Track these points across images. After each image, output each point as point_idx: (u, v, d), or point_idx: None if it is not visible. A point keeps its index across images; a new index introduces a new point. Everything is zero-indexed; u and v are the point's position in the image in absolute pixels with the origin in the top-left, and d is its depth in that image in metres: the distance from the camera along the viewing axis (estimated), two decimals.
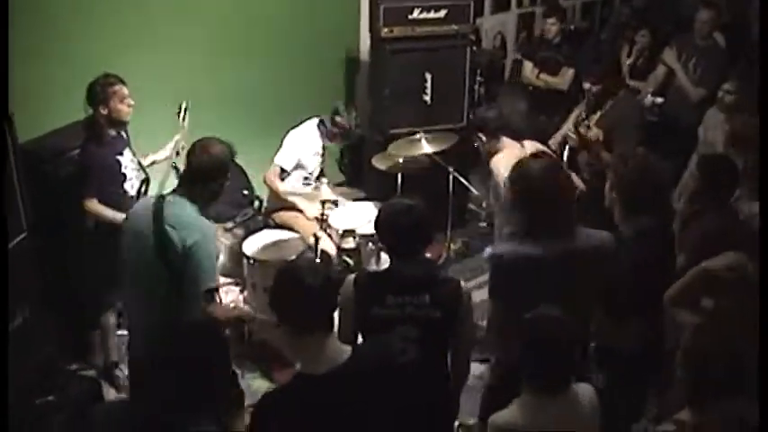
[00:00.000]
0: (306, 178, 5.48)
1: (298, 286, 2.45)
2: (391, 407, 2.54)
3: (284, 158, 5.33)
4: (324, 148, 5.50)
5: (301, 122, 5.52)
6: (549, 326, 2.70)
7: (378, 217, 3.21)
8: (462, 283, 3.22)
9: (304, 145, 5.41)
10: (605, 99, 5.39)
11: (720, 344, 2.52)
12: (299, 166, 5.39)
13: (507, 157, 4.65)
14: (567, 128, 5.55)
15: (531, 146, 4.78)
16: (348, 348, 2.55)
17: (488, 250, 3.29)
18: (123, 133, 4.56)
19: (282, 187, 5.30)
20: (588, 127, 5.38)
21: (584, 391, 2.80)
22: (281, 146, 5.39)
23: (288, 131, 5.46)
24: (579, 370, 2.84)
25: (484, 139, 4.77)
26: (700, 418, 2.51)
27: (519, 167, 3.23)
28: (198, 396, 2.49)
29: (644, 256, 3.34)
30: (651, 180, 3.52)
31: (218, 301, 3.59)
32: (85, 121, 4.45)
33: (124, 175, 4.51)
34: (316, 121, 5.48)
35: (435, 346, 3.15)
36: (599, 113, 5.39)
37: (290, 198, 5.31)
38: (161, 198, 3.51)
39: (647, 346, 3.47)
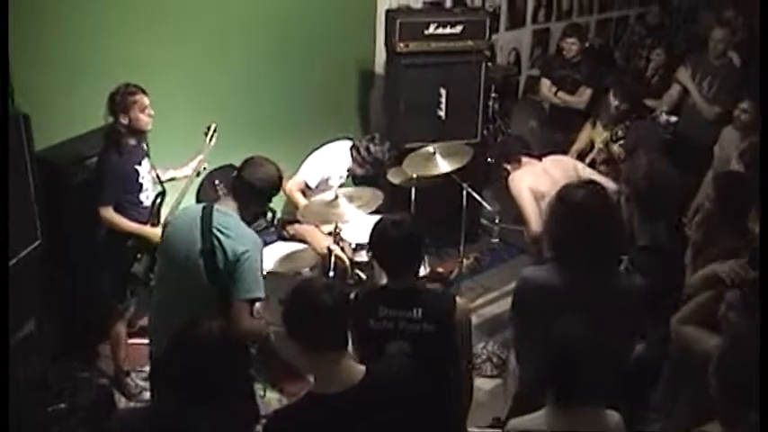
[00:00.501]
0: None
1: (311, 305, 2.44)
2: (400, 429, 2.53)
3: (311, 175, 5.33)
4: (349, 171, 5.51)
5: (331, 141, 5.53)
6: (570, 342, 2.70)
7: (370, 234, 3.21)
8: (458, 299, 3.21)
9: (333, 166, 5.41)
10: (629, 117, 5.43)
11: (749, 356, 2.51)
12: (322, 185, 5.39)
13: (525, 172, 4.70)
14: (598, 143, 5.56)
15: (552, 160, 4.82)
16: (362, 368, 2.52)
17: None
18: (143, 143, 4.59)
19: (302, 201, 5.30)
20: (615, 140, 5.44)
21: (612, 416, 2.79)
22: (304, 160, 5.41)
23: (312, 146, 5.49)
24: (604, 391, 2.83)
25: (509, 166, 4.87)
26: (731, 430, 2.50)
27: (563, 193, 3.16)
28: (218, 406, 2.48)
29: (660, 266, 3.36)
30: (661, 184, 3.52)
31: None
32: (105, 129, 4.48)
33: (141, 185, 4.53)
34: (347, 143, 5.48)
35: (433, 362, 3.08)
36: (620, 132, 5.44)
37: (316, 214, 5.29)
38: (209, 207, 3.58)
39: (657, 356, 3.48)
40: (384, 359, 2.97)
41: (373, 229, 3.19)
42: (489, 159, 6.62)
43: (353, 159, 5.38)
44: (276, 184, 3.70)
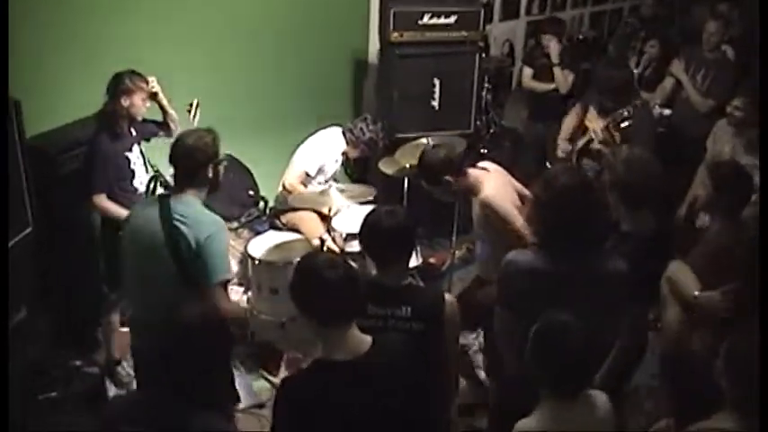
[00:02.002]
0: (320, 183, 5.50)
1: (320, 280, 2.51)
2: (394, 404, 2.58)
3: (310, 164, 5.36)
4: (343, 154, 5.50)
5: (321, 128, 5.56)
6: (559, 331, 2.70)
7: (362, 224, 3.19)
8: (447, 295, 3.20)
9: (328, 151, 5.44)
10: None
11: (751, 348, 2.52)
12: (320, 172, 5.40)
13: (490, 186, 4.27)
14: (593, 127, 5.50)
15: (493, 169, 4.43)
16: (368, 339, 2.60)
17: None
18: (132, 130, 4.57)
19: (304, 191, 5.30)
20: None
21: (599, 396, 2.81)
22: (294, 150, 5.40)
23: (303, 137, 5.50)
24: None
25: (452, 179, 4.25)
26: (743, 422, 2.51)
27: (548, 177, 3.18)
28: (199, 392, 2.51)
29: (643, 252, 3.39)
30: (640, 170, 3.53)
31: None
32: (99, 113, 4.46)
33: (133, 172, 4.53)
34: (337, 129, 5.51)
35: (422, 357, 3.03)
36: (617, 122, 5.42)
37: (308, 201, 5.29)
38: (164, 197, 3.53)
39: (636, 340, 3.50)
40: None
41: (366, 219, 3.19)
42: (483, 150, 6.62)
43: (348, 141, 5.41)
44: (200, 151, 3.45)
